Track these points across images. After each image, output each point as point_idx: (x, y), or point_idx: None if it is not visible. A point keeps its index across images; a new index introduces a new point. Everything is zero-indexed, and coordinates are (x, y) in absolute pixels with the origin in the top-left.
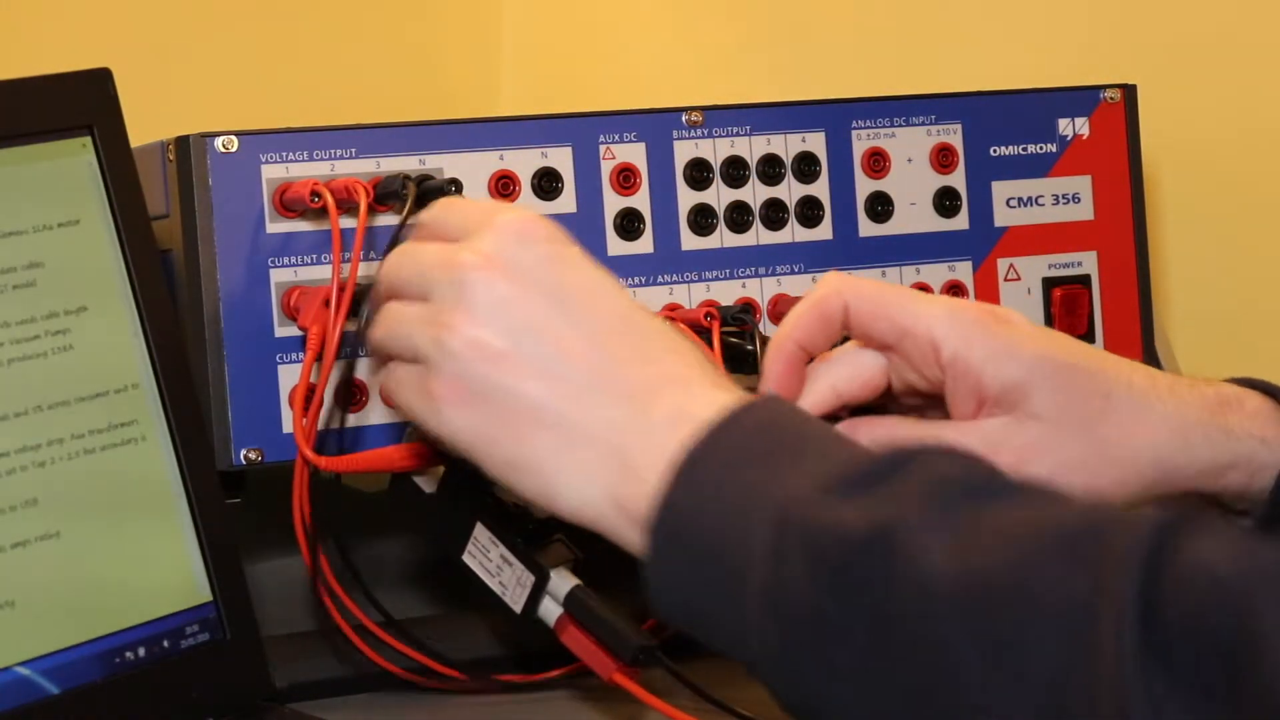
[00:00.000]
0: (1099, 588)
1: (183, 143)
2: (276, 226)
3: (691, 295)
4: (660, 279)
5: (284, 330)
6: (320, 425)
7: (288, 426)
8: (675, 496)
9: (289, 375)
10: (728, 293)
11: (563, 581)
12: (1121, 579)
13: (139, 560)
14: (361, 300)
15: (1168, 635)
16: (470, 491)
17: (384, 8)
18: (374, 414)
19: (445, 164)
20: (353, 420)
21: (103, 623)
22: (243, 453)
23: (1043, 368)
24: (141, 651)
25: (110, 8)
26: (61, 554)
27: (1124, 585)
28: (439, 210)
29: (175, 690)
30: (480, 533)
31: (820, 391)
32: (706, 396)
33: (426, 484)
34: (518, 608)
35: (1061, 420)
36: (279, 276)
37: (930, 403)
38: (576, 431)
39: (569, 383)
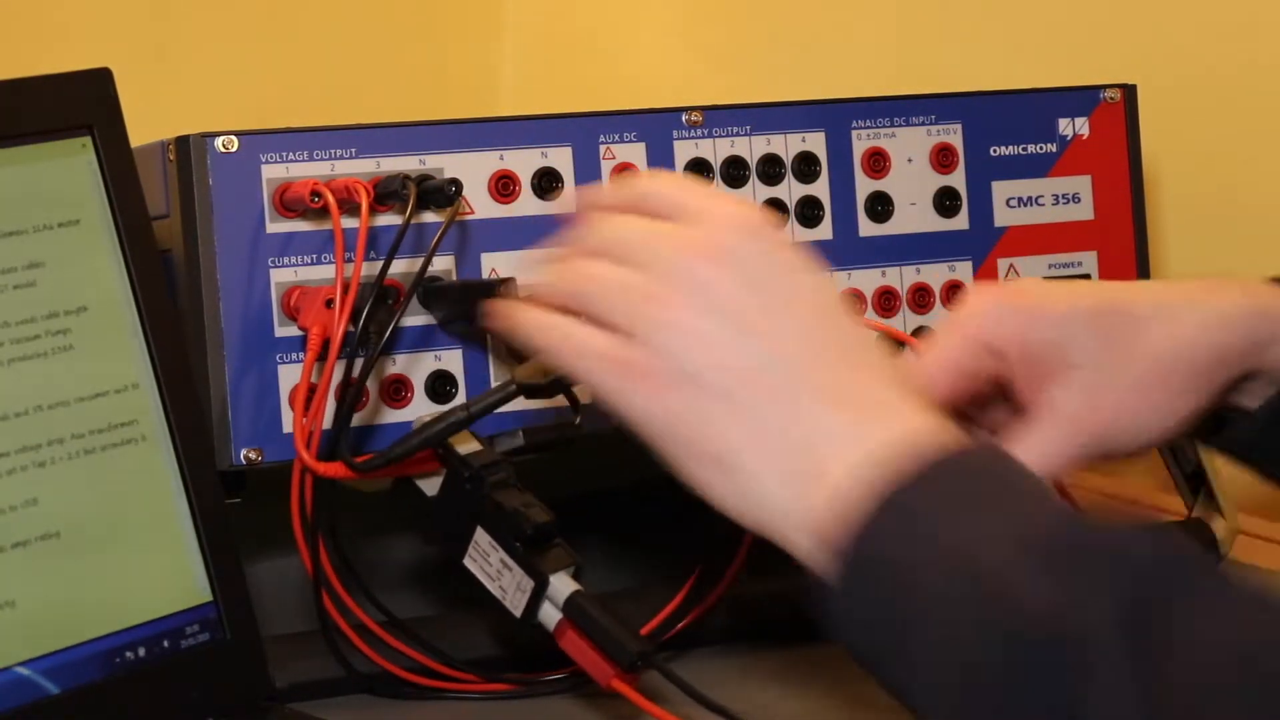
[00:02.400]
0: None
1: (183, 143)
2: (276, 226)
3: None
4: None
5: (284, 330)
6: (322, 426)
7: (288, 426)
8: (876, 530)
9: (289, 375)
10: None
11: (562, 586)
12: None
13: (139, 560)
14: (363, 301)
15: None
16: (471, 496)
17: (385, 8)
18: (375, 415)
19: (445, 164)
20: (355, 421)
21: (103, 623)
22: (243, 453)
23: (1072, 320)
24: (141, 651)
25: (110, 8)
26: (61, 554)
27: None
28: (657, 183)
29: (175, 690)
30: (480, 537)
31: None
32: (918, 423)
33: (428, 487)
34: (517, 612)
35: (1104, 362)
36: (279, 276)
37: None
38: (779, 436)
39: (775, 376)
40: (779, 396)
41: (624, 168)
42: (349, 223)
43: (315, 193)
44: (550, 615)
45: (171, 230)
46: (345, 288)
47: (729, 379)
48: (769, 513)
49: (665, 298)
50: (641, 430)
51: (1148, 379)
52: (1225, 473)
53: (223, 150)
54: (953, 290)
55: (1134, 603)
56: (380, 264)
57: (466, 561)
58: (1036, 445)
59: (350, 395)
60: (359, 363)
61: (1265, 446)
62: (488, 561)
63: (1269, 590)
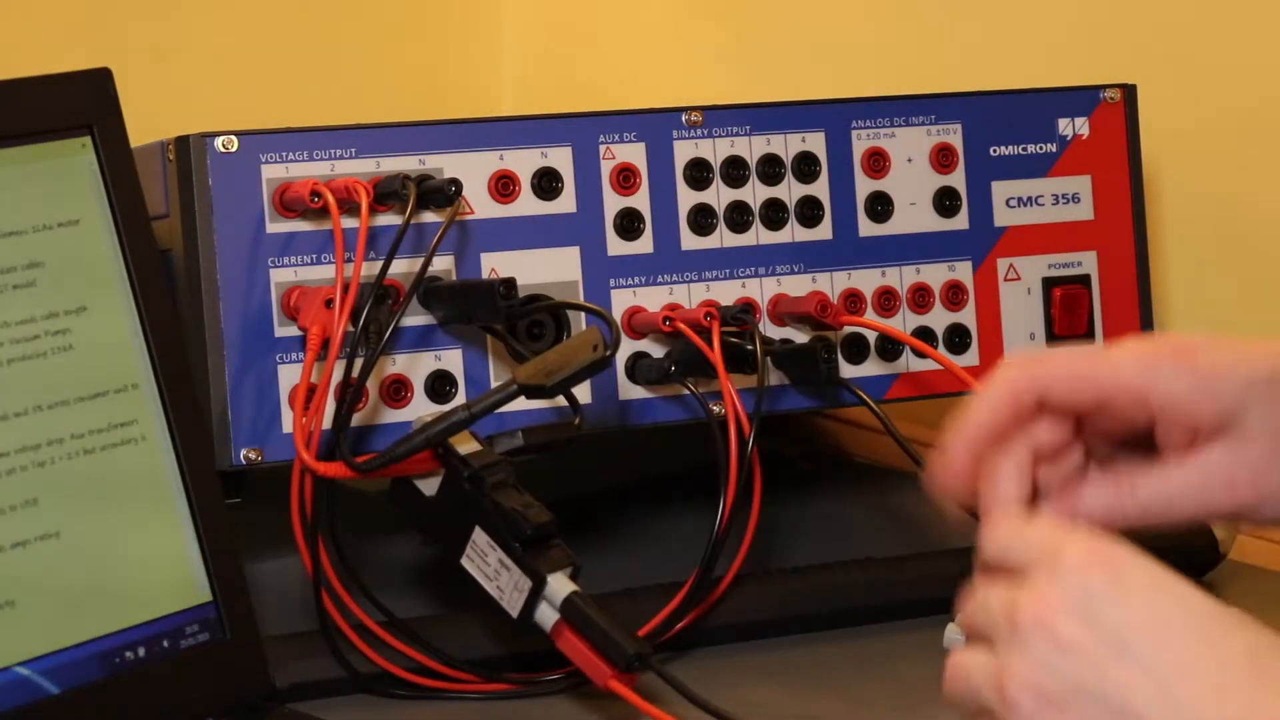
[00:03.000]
0: None
1: (183, 143)
2: (276, 226)
3: (691, 295)
4: (660, 279)
5: (284, 330)
6: (322, 426)
7: (288, 426)
8: None
9: (289, 375)
10: (728, 293)
11: (560, 587)
12: None
13: (139, 560)
14: (363, 301)
15: None
16: (469, 496)
17: (384, 8)
18: (375, 415)
19: (445, 164)
20: (356, 421)
21: (103, 623)
22: (243, 453)
23: (1254, 387)
24: (141, 651)
25: (110, 8)
26: (61, 554)
27: None
28: (996, 543)
29: (175, 690)
30: (479, 537)
31: (1015, 476)
32: None
33: (426, 487)
34: (515, 612)
35: (1275, 432)
36: (279, 276)
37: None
38: None
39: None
40: None
41: (624, 168)
42: (349, 223)
43: (315, 193)
44: (547, 616)
45: (171, 230)
46: (345, 288)
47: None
48: None
49: (1015, 669)
50: None
51: None
52: None
53: (223, 150)
54: (953, 290)
55: None
56: (380, 264)
57: (464, 561)
58: (1178, 491)
59: (350, 395)
60: (359, 363)
61: None
62: (485, 561)
63: None
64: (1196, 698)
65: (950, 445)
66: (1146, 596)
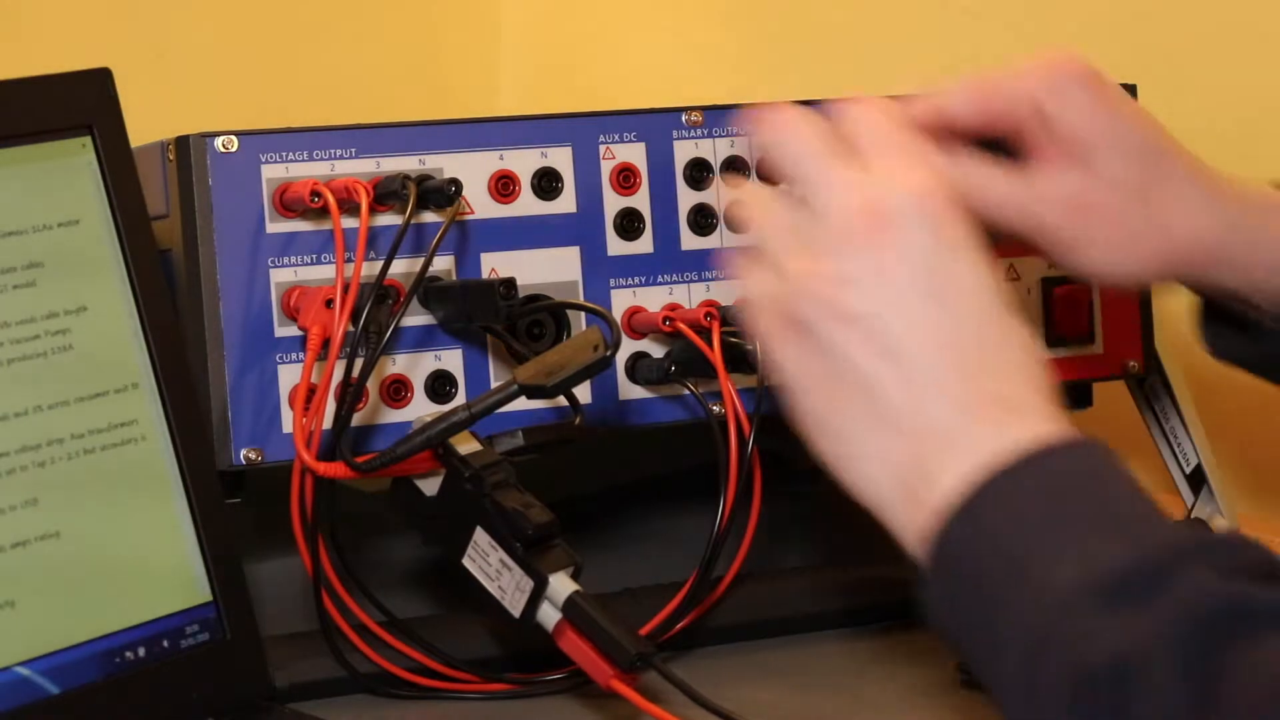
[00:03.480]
0: None
1: (183, 143)
2: (276, 226)
3: (691, 295)
4: (660, 279)
5: (284, 330)
6: (322, 426)
7: (288, 426)
8: (957, 530)
9: (289, 375)
10: (728, 293)
11: (561, 587)
12: None
13: (139, 560)
14: (363, 301)
15: None
16: (470, 496)
17: (384, 7)
18: (375, 415)
19: (445, 164)
20: (357, 420)
21: (103, 623)
22: (243, 453)
23: (1129, 136)
24: (141, 651)
25: (110, 8)
26: (61, 554)
27: None
28: (857, 118)
29: (175, 690)
30: (480, 537)
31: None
32: (1030, 428)
33: (427, 487)
34: (516, 612)
35: (1123, 187)
36: (279, 276)
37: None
38: (894, 420)
39: (907, 371)
40: (904, 385)
41: (624, 168)
42: (349, 223)
43: (315, 193)
44: (549, 615)
45: (171, 230)
46: (345, 288)
47: (861, 356)
48: (878, 496)
49: (831, 271)
50: (780, 385)
51: (1141, 235)
52: (1225, 472)
53: (223, 150)
54: None
55: (1197, 626)
56: (380, 264)
57: (465, 561)
58: (1026, 197)
59: (350, 395)
60: (359, 363)
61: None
62: (487, 561)
63: None
64: (968, 361)
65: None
66: (964, 259)
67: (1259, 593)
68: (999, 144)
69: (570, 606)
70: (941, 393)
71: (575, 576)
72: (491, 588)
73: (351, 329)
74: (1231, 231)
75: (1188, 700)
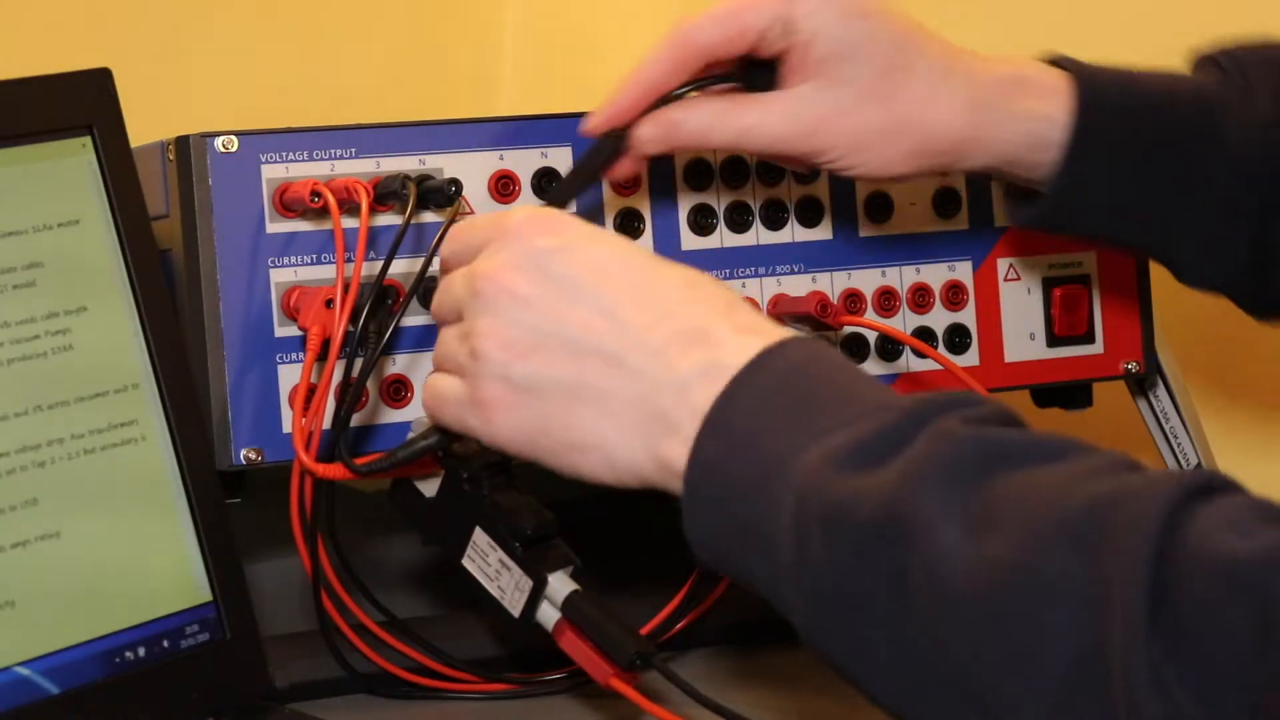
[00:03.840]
0: (1108, 575)
1: (183, 143)
2: (276, 226)
3: None
4: None
5: (284, 330)
6: (322, 426)
7: (288, 426)
8: (704, 455)
9: (289, 375)
10: None
11: (561, 586)
12: (1132, 566)
13: (139, 560)
14: (363, 301)
15: (1180, 625)
16: (469, 497)
17: (384, 7)
18: (375, 415)
19: (445, 164)
20: (356, 420)
21: (103, 623)
22: (243, 453)
23: (869, 43)
24: (141, 651)
25: (110, 8)
26: (61, 554)
27: (1135, 572)
28: (452, 240)
29: (175, 690)
30: (479, 537)
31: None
32: (731, 343)
33: (426, 488)
34: (516, 612)
35: (865, 90)
36: (279, 276)
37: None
38: (613, 400)
39: (597, 357)
40: (601, 369)
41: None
42: (349, 223)
43: (315, 193)
44: (549, 615)
45: (171, 230)
46: (345, 288)
47: (555, 372)
48: (642, 470)
49: (475, 330)
50: (513, 451)
51: (892, 135)
52: (1225, 472)
53: (223, 150)
54: (952, 290)
55: (952, 463)
56: (380, 264)
57: (465, 561)
58: (771, 120)
59: (350, 395)
60: (359, 363)
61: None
62: (486, 561)
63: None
64: (643, 322)
65: (617, 97)
66: (588, 249)
67: (1006, 433)
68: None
69: (570, 606)
70: (633, 355)
71: (575, 576)
72: (491, 588)
73: (351, 329)
74: (980, 112)
75: (960, 534)
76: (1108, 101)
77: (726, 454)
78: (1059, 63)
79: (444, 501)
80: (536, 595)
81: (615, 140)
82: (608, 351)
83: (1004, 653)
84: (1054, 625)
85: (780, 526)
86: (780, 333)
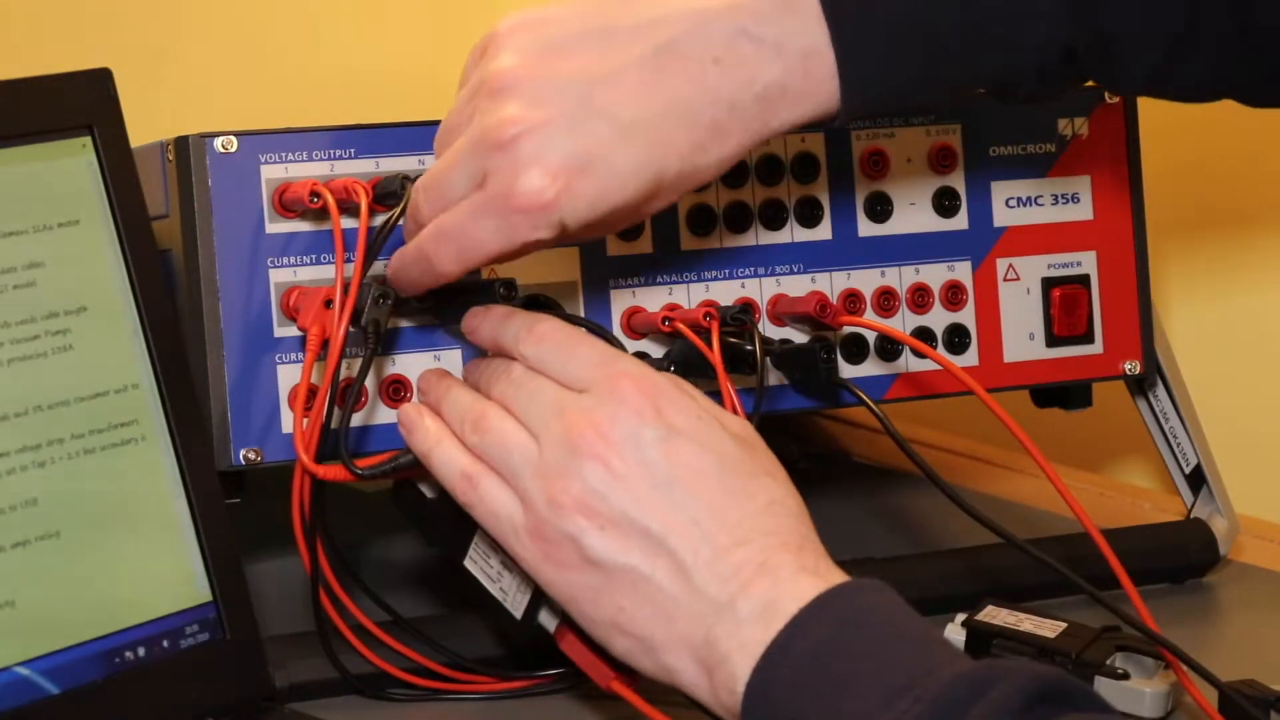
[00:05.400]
0: None
1: (183, 143)
2: (276, 226)
3: (691, 295)
4: (659, 279)
5: (284, 330)
6: (322, 426)
7: (287, 426)
8: (754, 704)
9: (289, 375)
10: (727, 293)
11: None
12: None
13: (139, 560)
14: (363, 301)
15: None
16: None
17: (384, 7)
18: (377, 415)
19: None
20: (356, 421)
21: (103, 623)
22: (242, 453)
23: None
24: (141, 651)
25: (110, 8)
26: (61, 554)
27: None
28: (546, 346)
29: (175, 690)
30: (481, 538)
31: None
32: (792, 588)
33: (429, 489)
34: (518, 614)
35: (629, 218)
36: (279, 276)
37: None
38: (672, 606)
39: (670, 559)
40: (672, 573)
41: None
42: (348, 223)
43: (314, 193)
44: (550, 618)
45: (171, 230)
46: (345, 288)
47: (628, 559)
48: (687, 681)
49: (560, 484)
50: (551, 595)
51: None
52: (1225, 472)
53: (222, 150)
54: (952, 290)
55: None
56: (380, 264)
57: (467, 563)
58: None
59: (350, 397)
60: (359, 363)
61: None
62: (488, 563)
63: None
64: (722, 542)
65: (441, 264)
66: (690, 447)
67: (1067, 682)
68: None
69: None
70: (703, 573)
71: None
72: (493, 589)
73: (353, 329)
74: (736, 147)
75: None
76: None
77: (773, 712)
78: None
79: (446, 502)
80: (539, 597)
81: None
82: (681, 559)
83: None
84: None
85: None
86: (834, 576)
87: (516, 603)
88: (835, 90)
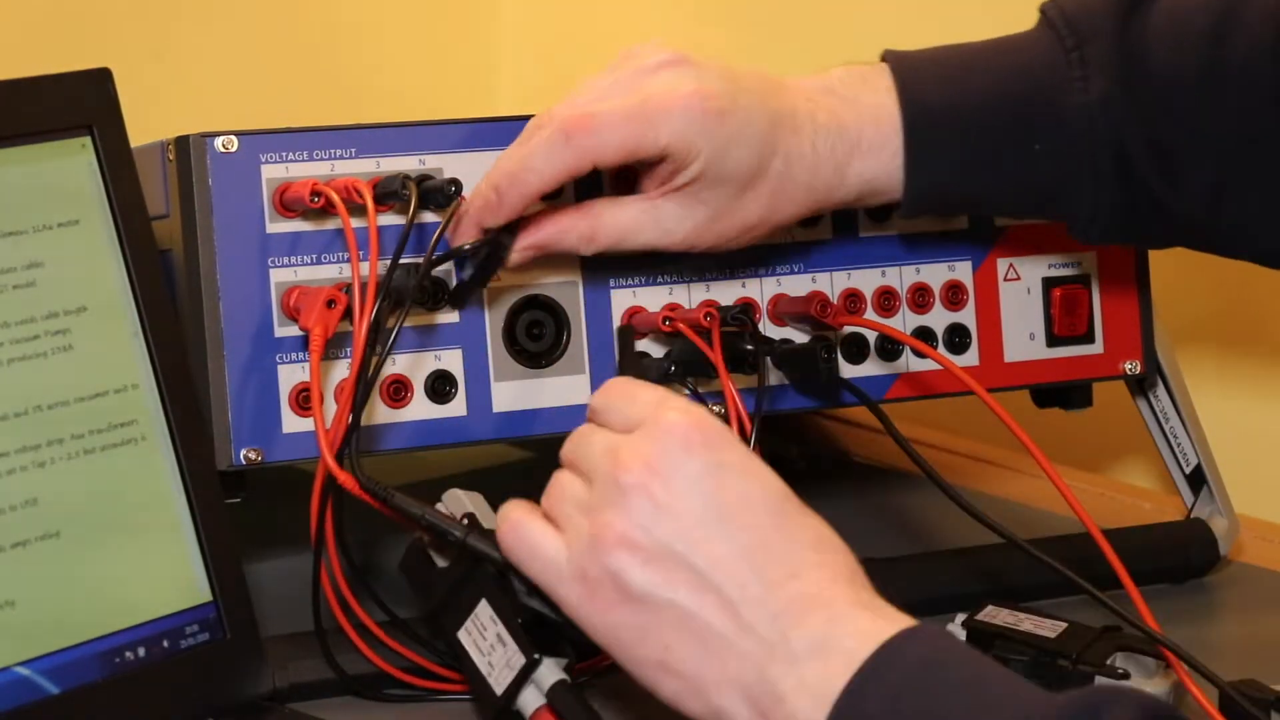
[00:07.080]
0: None
1: (183, 143)
2: (276, 226)
3: (691, 295)
4: (660, 279)
5: (284, 330)
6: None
7: (287, 427)
8: None
9: (289, 375)
10: (728, 293)
11: (550, 673)
12: None
13: (139, 560)
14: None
15: None
16: (481, 572)
17: (384, 8)
18: (376, 414)
19: (445, 164)
20: (363, 421)
21: (103, 623)
22: (242, 453)
23: (727, 163)
24: (141, 651)
25: (110, 8)
26: (61, 554)
27: None
28: (611, 397)
29: (175, 690)
30: (483, 610)
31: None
32: (850, 623)
33: (440, 558)
34: (499, 690)
35: (721, 209)
36: (279, 276)
37: None
38: (723, 644)
39: (717, 595)
40: (719, 608)
41: (624, 168)
42: (354, 222)
43: (315, 193)
44: (531, 700)
45: (171, 230)
46: (364, 288)
47: (673, 594)
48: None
49: (604, 519)
50: (595, 640)
51: (752, 225)
52: (1225, 472)
53: (222, 150)
54: (952, 290)
55: None
56: (384, 265)
57: (461, 634)
58: (629, 224)
59: (359, 399)
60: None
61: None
62: (483, 635)
63: None
64: (772, 577)
65: (505, 197)
66: (738, 480)
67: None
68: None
69: (556, 693)
70: (755, 607)
71: (566, 669)
72: (481, 663)
73: (349, 328)
74: (817, 191)
75: None
76: (939, 135)
77: None
78: (892, 67)
79: (456, 574)
80: (524, 675)
81: (509, 237)
82: (728, 595)
83: None
84: None
85: None
86: (888, 611)
87: (500, 678)
88: None
